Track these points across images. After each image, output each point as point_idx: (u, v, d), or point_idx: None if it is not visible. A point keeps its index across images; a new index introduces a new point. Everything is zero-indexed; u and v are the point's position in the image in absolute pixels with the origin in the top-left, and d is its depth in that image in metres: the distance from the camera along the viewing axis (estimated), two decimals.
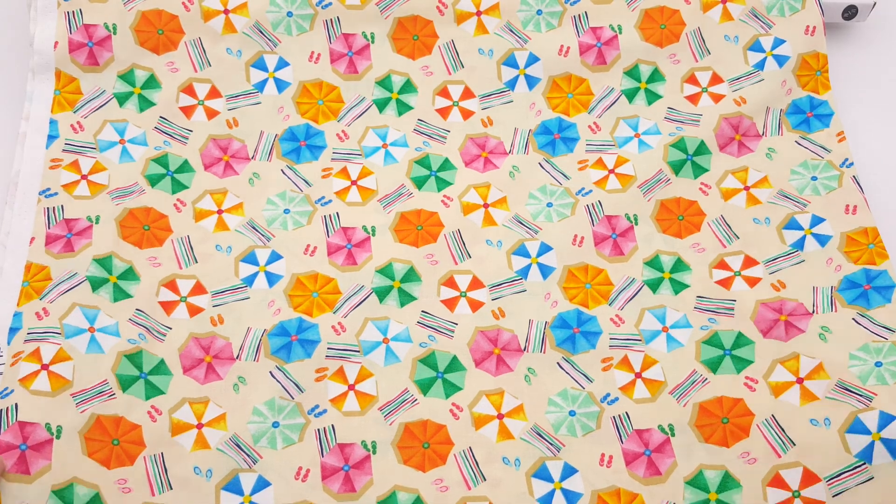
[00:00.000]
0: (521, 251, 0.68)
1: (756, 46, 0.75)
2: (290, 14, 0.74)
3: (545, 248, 0.68)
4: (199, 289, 0.65)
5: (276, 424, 0.60)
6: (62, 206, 0.65)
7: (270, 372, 0.61)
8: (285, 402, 0.61)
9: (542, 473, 0.60)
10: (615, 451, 0.60)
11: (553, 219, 0.69)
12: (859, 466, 0.57)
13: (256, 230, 0.67)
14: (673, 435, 0.60)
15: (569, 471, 0.60)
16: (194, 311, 0.64)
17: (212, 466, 0.58)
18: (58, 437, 0.55)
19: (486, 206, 0.69)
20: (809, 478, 0.58)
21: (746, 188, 0.70)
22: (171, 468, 0.57)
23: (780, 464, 0.58)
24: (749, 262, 0.67)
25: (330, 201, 0.69)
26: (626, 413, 0.61)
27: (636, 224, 0.68)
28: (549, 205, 0.69)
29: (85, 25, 0.70)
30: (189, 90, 0.71)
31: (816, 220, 0.68)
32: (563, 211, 0.69)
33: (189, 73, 0.72)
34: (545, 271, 0.67)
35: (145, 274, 0.64)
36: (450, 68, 0.74)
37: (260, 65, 0.73)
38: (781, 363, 0.62)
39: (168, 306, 0.63)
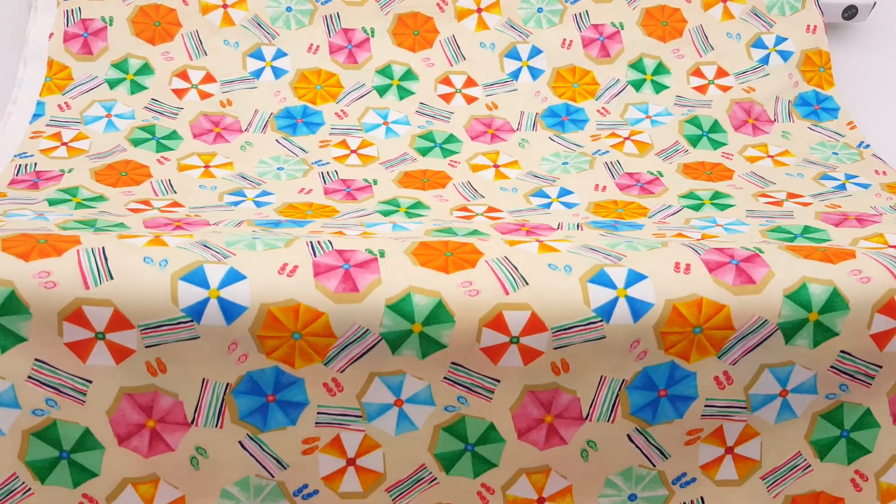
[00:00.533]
0: (540, 194, 0.62)
1: (759, 44, 0.75)
2: (289, 9, 0.74)
3: (565, 191, 0.63)
4: (175, 205, 0.57)
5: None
6: (35, 164, 0.61)
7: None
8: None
9: (602, 279, 0.46)
10: (692, 259, 0.47)
11: (571, 171, 0.65)
12: None
13: (246, 178, 0.63)
14: (761, 252, 0.48)
15: (635, 277, 0.46)
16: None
17: (167, 257, 0.44)
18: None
19: (496, 166, 0.66)
20: None
21: (770, 156, 0.68)
22: (112, 258, 0.44)
23: None
24: (793, 196, 0.62)
25: (328, 163, 0.65)
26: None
27: (662, 176, 0.64)
28: (565, 163, 0.66)
29: (82, 20, 0.69)
30: (183, 75, 0.70)
31: (850, 175, 0.65)
32: (581, 166, 0.66)
33: (184, 61, 0.70)
34: (568, 206, 0.61)
35: (114, 199, 0.57)
36: (451, 60, 0.73)
37: (257, 55, 0.72)
38: (865, 239, 0.52)
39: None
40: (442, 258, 0.45)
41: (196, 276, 0.43)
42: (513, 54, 0.74)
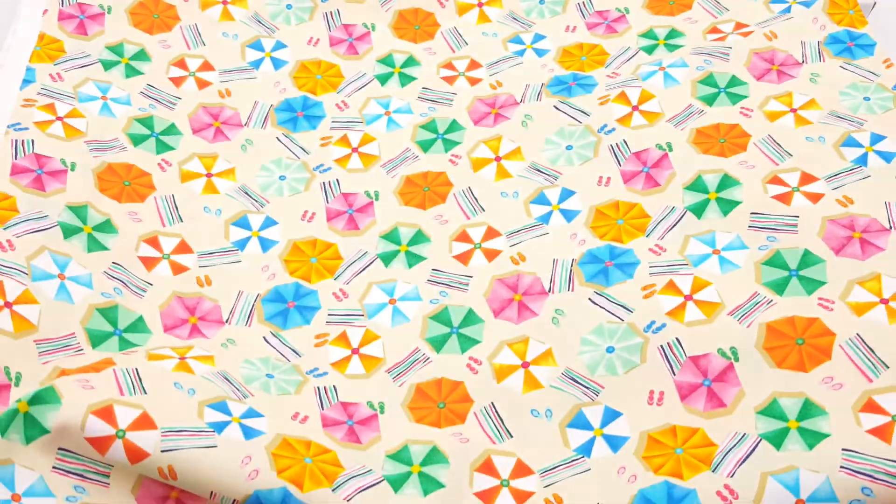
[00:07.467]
0: (541, 199, 0.63)
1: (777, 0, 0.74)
2: (289, 6, 0.76)
3: (567, 194, 0.63)
4: (183, 247, 0.60)
5: (270, 376, 0.55)
6: (32, 141, 0.61)
7: (264, 337, 0.57)
8: (281, 363, 0.56)
9: (580, 422, 0.52)
10: (667, 386, 0.52)
11: (574, 162, 0.64)
12: None
13: (249, 195, 0.64)
14: (737, 360, 0.52)
15: (611, 415, 0.52)
16: (178, 269, 0.59)
17: (195, 387, 0.50)
18: (16, 385, 0.51)
19: (497, 159, 0.65)
20: None
21: (793, 110, 0.65)
22: (147, 380, 0.50)
23: (873, 388, 0.50)
24: (808, 178, 0.60)
25: (329, 168, 0.66)
26: (677, 339, 0.53)
27: (671, 150, 0.63)
28: (569, 147, 0.65)
29: (79, 3, 0.71)
30: (180, 63, 0.71)
31: (877, 138, 0.62)
32: (585, 153, 0.65)
33: (182, 50, 0.72)
34: (569, 215, 0.62)
35: (124, 227, 0.60)
36: (453, 48, 0.74)
37: (257, 46, 0.73)
38: (860, 283, 0.54)
39: (149, 262, 0.59)
40: (435, 412, 0.53)
41: (221, 406, 0.50)
42: (516, 40, 0.75)
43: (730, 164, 0.61)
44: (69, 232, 0.58)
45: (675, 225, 0.59)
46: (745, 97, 0.66)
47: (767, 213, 0.58)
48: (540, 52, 0.73)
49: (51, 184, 0.59)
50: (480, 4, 0.76)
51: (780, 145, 0.62)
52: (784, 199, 0.59)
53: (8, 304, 0.52)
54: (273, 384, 0.53)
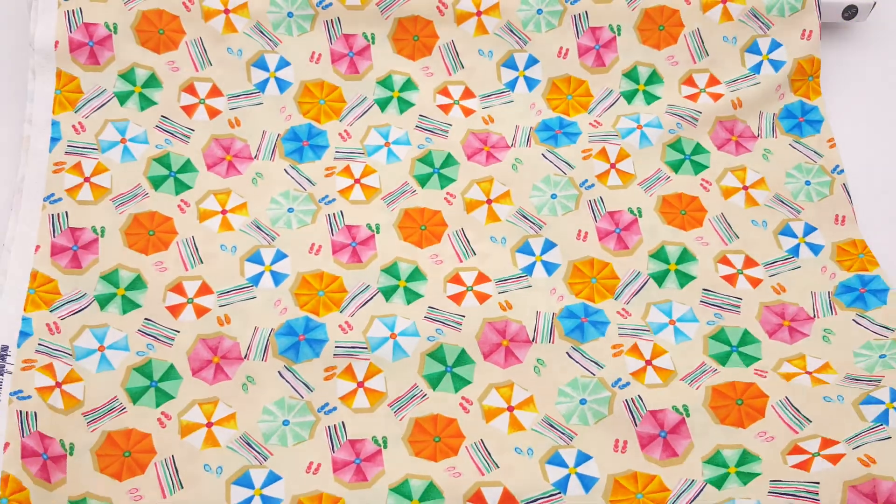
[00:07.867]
0: (526, 248, 0.70)
1: (753, 48, 0.79)
2: (290, 14, 0.78)
3: (550, 245, 0.70)
4: (205, 289, 0.67)
5: (286, 422, 0.62)
6: (66, 213, 0.67)
7: (279, 371, 0.64)
8: (295, 401, 0.63)
9: (556, 460, 0.61)
10: (630, 435, 0.62)
11: (557, 212, 0.72)
12: (875, 428, 0.60)
13: (261, 229, 0.70)
14: (688, 415, 0.62)
15: (583, 457, 0.61)
16: (201, 311, 0.66)
17: (222, 464, 0.60)
18: (71, 454, 0.58)
19: (489, 202, 0.72)
20: (828, 443, 0.60)
21: (745, 188, 0.74)
22: (182, 468, 0.59)
23: (798, 437, 0.61)
24: (750, 262, 0.71)
25: (333, 200, 0.72)
26: (639, 396, 0.63)
27: (640, 216, 0.72)
28: (553, 196, 0.73)
29: (85, 24, 0.74)
30: (190, 89, 0.75)
31: (809, 229, 0.72)
32: (568, 204, 0.72)
33: (190, 73, 0.75)
34: (550, 269, 0.70)
35: (152, 280, 0.67)
36: (450, 69, 0.78)
37: (261, 64, 0.77)
38: (788, 361, 0.66)
39: (175, 310, 0.66)
40: (432, 446, 0.61)
41: (244, 480, 0.59)
42: (510, 63, 0.79)
43: (689, 238, 0.71)
44: (104, 302, 0.64)
45: (639, 290, 0.69)
46: (707, 167, 0.75)
47: (716, 291, 0.69)
48: (530, 83, 0.77)
49: (86, 257, 0.65)
50: (479, 13, 0.78)
51: (730, 226, 0.72)
52: (731, 279, 0.69)
53: (58, 385, 0.59)
54: (289, 432, 0.61)
